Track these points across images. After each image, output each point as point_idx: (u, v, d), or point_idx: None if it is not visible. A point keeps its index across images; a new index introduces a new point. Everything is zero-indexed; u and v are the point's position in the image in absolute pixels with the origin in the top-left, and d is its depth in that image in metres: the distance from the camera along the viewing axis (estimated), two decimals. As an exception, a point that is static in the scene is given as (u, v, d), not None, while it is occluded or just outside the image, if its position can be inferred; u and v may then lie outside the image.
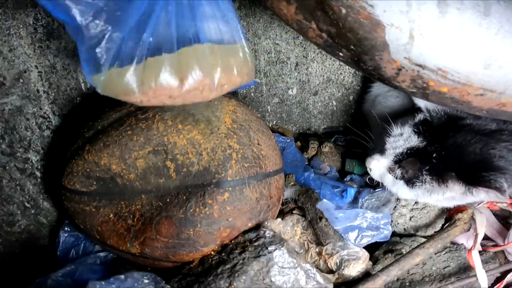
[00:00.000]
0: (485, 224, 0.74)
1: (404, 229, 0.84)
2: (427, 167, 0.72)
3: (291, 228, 0.71)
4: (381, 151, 0.78)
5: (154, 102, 0.55)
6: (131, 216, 0.64)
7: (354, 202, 0.83)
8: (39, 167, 0.77)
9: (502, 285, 0.72)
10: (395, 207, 0.84)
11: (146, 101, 0.54)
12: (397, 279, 0.74)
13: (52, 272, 0.65)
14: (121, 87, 0.52)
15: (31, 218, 0.79)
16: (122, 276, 0.55)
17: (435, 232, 0.82)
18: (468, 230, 0.77)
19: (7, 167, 0.73)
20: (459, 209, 0.78)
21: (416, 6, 0.50)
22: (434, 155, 0.72)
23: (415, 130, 0.75)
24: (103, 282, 0.54)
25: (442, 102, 0.61)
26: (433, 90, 0.58)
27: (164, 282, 0.59)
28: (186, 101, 0.57)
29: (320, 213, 0.74)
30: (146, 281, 0.57)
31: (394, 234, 0.84)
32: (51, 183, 0.78)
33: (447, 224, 0.79)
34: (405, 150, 0.74)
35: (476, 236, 0.72)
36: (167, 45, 0.53)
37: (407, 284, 0.74)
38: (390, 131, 0.78)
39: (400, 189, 0.77)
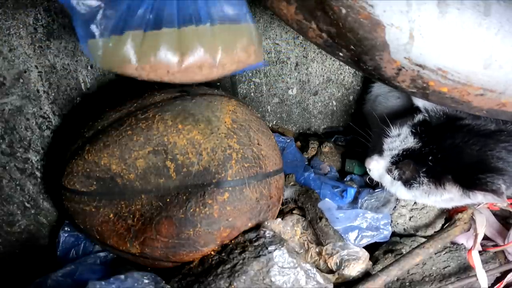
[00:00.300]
0: (485, 224, 0.74)
1: (404, 229, 0.84)
2: (424, 169, 0.72)
3: (291, 228, 0.71)
4: (380, 151, 0.77)
5: (152, 76, 0.55)
6: (131, 216, 0.64)
7: (354, 202, 0.84)
8: (39, 167, 0.77)
9: (502, 285, 0.72)
10: (395, 207, 0.84)
11: (144, 75, 0.54)
12: (397, 279, 0.74)
13: (52, 272, 0.65)
14: (118, 57, 0.52)
15: (31, 218, 0.79)
16: (122, 276, 0.55)
17: (435, 232, 0.82)
18: (468, 230, 0.77)
19: (7, 167, 0.73)
20: (459, 209, 0.78)
21: (416, 6, 0.50)
22: (430, 157, 0.71)
23: (413, 131, 0.75)
24: (103, 282, 0.54)
25: (442, 102, 0.61)
26: (433, 90, 0.58)
27: (164, 282, 0.59)
28: (185, 78, 0.56)
29: (320, 213, 0.74)
30: (146, 281, 0.57)
31: (394, 234, 0.84)
32: (51, 183, 0.78)
33: (447, 224, 0.79)
34: (401, 152, 0.74)
35: (476, 236, 0.72)
36: (168, 21, 0.53)
37: (407, 284, 0.74)
38: (388, 132, 0.77)
39: (398, 190, 0.77)
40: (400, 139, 0.75)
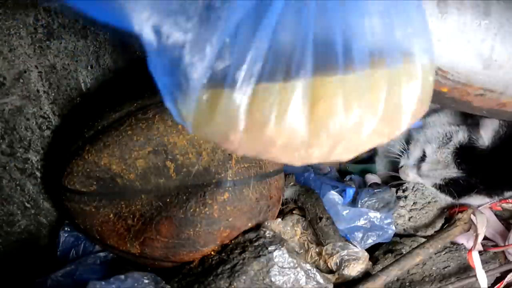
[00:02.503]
0: (485, 225, 0.74)
1: (404, 229, 0.84)
2: (476, 191, 0.70)
3: (291, 228, 0.71)
4: (419, 168, 0.74)
5: (254, 154, 0.36)
6: (131, 216, 0.64)
7: (353, 203, 0.83)
8: (39, 167, 0.77)
9: (502, 285, 0.72)
10: (394, 208, 0.83)
11: (252, 149, 0.35)
12: (397, 279, 0.74)
13: (52, 272, 0.65)
14: (222, 121, 0.33)
15: (31, 218, 0.79)
16: (122, 276, 0.55)
17: (435, 232, 0.82)
18: (468, 230, 0.77)
19: (7, 167, 0.73)
20: (459, 209, 0.78)
21: (416, 6, 0.50)
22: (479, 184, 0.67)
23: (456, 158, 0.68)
24: (103, 282, 0.54)
25: (442, 102, 0.61)
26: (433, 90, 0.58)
27: (164, 282, 0.59)
28: (307, 162, 0.36)
29: (320, 213, 0.74)
30: (146, 281, 0.57)
31: (394, 234, 0.84)
32: (51, 183, 0.78)
33: (447, 224, 0.79)
34: (444, 180, 0.70)
35: (476, 236, 0.72)
36: (296, 64, 0.31)
37: (407, 284, 0.74)
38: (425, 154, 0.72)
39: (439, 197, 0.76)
40: (441, 165, 0.70)
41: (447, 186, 0.74)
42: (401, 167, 0.81)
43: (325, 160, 0.36)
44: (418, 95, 0.35)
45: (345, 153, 0.35)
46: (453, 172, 0.70)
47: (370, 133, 0.34)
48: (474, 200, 0.76)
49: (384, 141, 0.37)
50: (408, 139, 0.85)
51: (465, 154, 0.70)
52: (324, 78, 0.31)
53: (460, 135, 0.73)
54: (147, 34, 0.29)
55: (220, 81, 0.31)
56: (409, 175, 0.78)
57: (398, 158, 0.85)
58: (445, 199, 0.79)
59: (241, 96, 0.31)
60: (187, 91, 0.32)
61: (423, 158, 0.77)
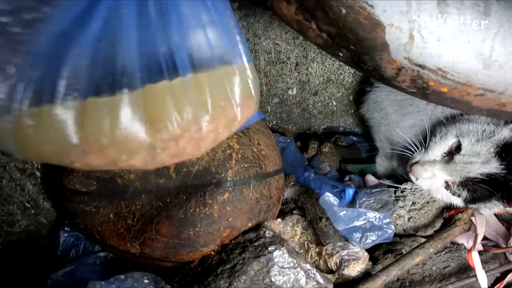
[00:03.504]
0: (485, 225, 0.74)
1: (404, 229, 0.84)
2: (501, 193, 0.67)
3: (291, 228, 0.71)
4: (441, 162, 0.70)
5: (110, 166, 0.38)
6: (131, 216, 0.64)
7: (352, 203, 0.83)
8: (39, 167, 0.77)
9: (502, 285, 0.72)
10: (393, 208, 0.83)
11: (98, 164, 0.37)
12: (397, 279, 0.74)
13: (52, 272, 0.65)
14: (47, 139, 0.33)
15: (31, 218, 0.79)
16: (122, 276, 0.55)
17: (434, 232, 0.82)
18: (468, 230, 0.77)
19: (7, 167, 0.73)
20: (459, 209, 0.78)
21: (416, 6, 0.51)
22: None
23: (499, 152, 0.65)
24: (103, 282, 0.54)
25: (442, 102, 0.61)
26: (433, 90, 0.58)
27: (164, 282, 0.59)
28: (163, 164, 0.41)
29: (320, 213, 0.74)
30: (146, 281, 0.57)
31: (394, 234, 0.84)
32: (51, 183, 0.78)
33: (447, 224, 0.78)
34: (478, 176, 0.65)
35: (475, 236, 0.72)
36: (123, 76, 0.33)
37: (407, 284, 0.74)
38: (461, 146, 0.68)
39: (451, 200, 0.74)
40: (480, 159, 0.65)
41: (473, 185, 0.69)
42: (415, 163, 0.75)
43: (174, 160, 0.40)
44: (241, 89, 0.41)
45: (194, 150, 0.40)
46: (493, 167, 0.66)
47: (208, 127, 0.39)
48: (489, 207, 0.74)
49: (225, 135, 0.43)
50: (424, 135, 0.80)
51: (508, 151, 0.67)
52: (152, 85, 0.34)
53: (506, 132, 0.70)
54: None
55: (41, 99, 0.32)
56: (427, 171, 0.72)
57: (410, 154, 0.80)
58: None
59: (65, 111, 0.32)
60: (6, 111, 0.31)
61: (455, 150, 0.72)
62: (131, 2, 0.32)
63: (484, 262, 0.73)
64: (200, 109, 0.38)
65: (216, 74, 0.39)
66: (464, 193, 0.71)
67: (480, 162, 0.67)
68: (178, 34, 0.35)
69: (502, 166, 0.66)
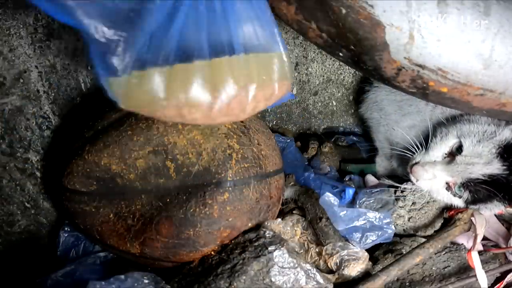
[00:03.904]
0: (484, 225, 0.74)
1: (404, 230, 0.84)
2: (503, 194, 0.67)
3: (291, 228, 0.71)
4: (442, 163, 0.69)
5: (187, 115, 0.49)
6: (131, 216, 0.64)
7: (352, 203, 0.83)
8: (39, 167, 0.77)
9: (502, 285, 0.72)
10: (393, 208, 0.83)
11: (171, 115, 0.48)
12: (397, 279, 0.74)
13: (52, 272, 0.65)
14: (144, 96, 0.46)
15: (31, 218, 0.79)
16: (122, 276, 0.55)
17: (435, 232, 0.82)
18: (468, 230, 0.77)
19: (7, 167, 0.73)
20: (459, 209, 0.78)
21: (416, 6, 0.51)
22: None
23: (501, 153, 0.65)
24: (103, 282, 0.54)
25: (442, 102, 0.61)
26: (433, 90, 0.58)
27: (164, 282, 0.59)
28: (214, 121, 0.51)
29: (320, 213, 0.74)
30: (146, 281, 0.57)
31: (393, 234, 0.83)
32: (51, 183, 0.78)
33: (447, 224, 0.78)
34: (481, 177, 0.65)
35: (475, 236, 0.72)
36: (198, 51, 0.46)
37: (407, 284, 0.74)
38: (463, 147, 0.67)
39: (450, 200, 0.74)
40: (482, 160, 0.65)
41: (475, 186, 0.69)
42: (415, 164, 0.74)
43: (224, 118, 0.52)
44: (278, 71, 0.52)
45: (240, 112, 0.52)
46: (495, 168, 0.66)
47: (253, 94, 0.50)
48: (490, 208, 0.73)
49: (263, 105, 0.53)
50: (424, 135, 0.80)
51: (510, 152, 0.67)
52: (216, 59, 0.48)
53: (507, 133, 0.69)
54: (90, 30, 0.42)
55: (144, 65, 0.45)
56: (428, 172, 0.72)
57: (410, 155, 0.79)
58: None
59: (159, 74, 0.45)
60: (118, 73, 0.44)
61: (456, 151, 0.72)
62: (202, 2, 0.46)
63: (484, 262, 0.73)
64: (249, 79, 0.50)
65: (260, 56, 0.51)
66: (466, 194, 0.71)
67: (482, 163, 0.67)
68: (234, 26, 0.48)
69: (504, 167, 0.66)
